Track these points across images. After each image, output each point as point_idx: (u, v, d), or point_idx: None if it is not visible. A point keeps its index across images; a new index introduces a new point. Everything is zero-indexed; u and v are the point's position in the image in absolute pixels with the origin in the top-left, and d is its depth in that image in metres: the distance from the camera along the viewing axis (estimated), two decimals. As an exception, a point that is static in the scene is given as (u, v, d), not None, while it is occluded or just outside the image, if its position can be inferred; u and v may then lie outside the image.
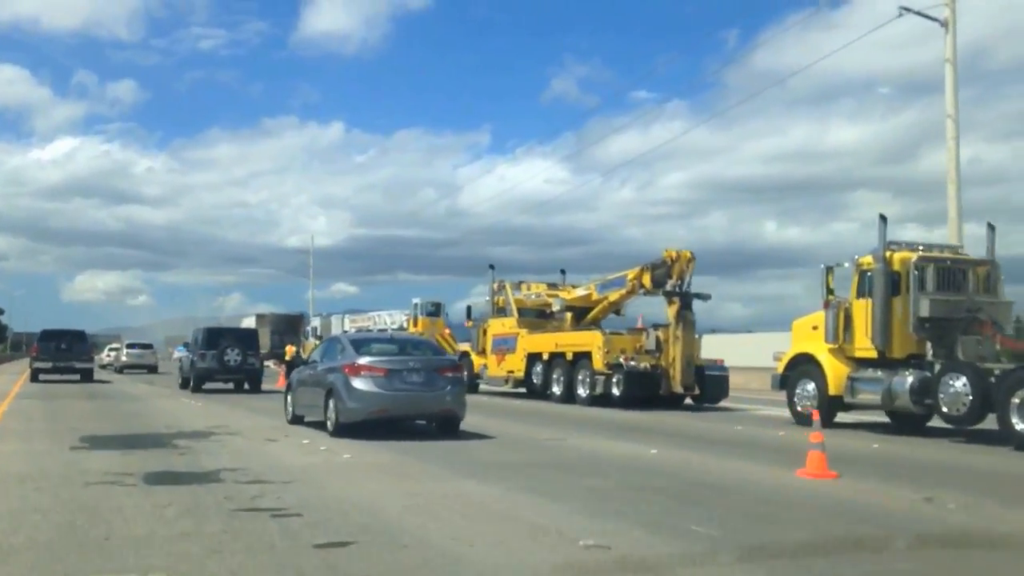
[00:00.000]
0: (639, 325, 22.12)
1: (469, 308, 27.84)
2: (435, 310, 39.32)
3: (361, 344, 13.62)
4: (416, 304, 39.22)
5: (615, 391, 20.05)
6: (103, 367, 50.28)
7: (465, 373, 16.02)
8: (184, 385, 27.11)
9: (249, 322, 57.11)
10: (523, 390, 24.91)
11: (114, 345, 59.25)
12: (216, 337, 26.49)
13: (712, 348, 22.37)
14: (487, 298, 27.32)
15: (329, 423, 12.81)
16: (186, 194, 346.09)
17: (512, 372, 24.62)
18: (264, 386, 26.74)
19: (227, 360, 25.58)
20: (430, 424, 13.48)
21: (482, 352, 26.96)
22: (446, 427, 13.17)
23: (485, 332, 26.87)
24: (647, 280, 20.82)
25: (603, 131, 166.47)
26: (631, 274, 21.40)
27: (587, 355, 21.08)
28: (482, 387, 27.29)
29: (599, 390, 20.42)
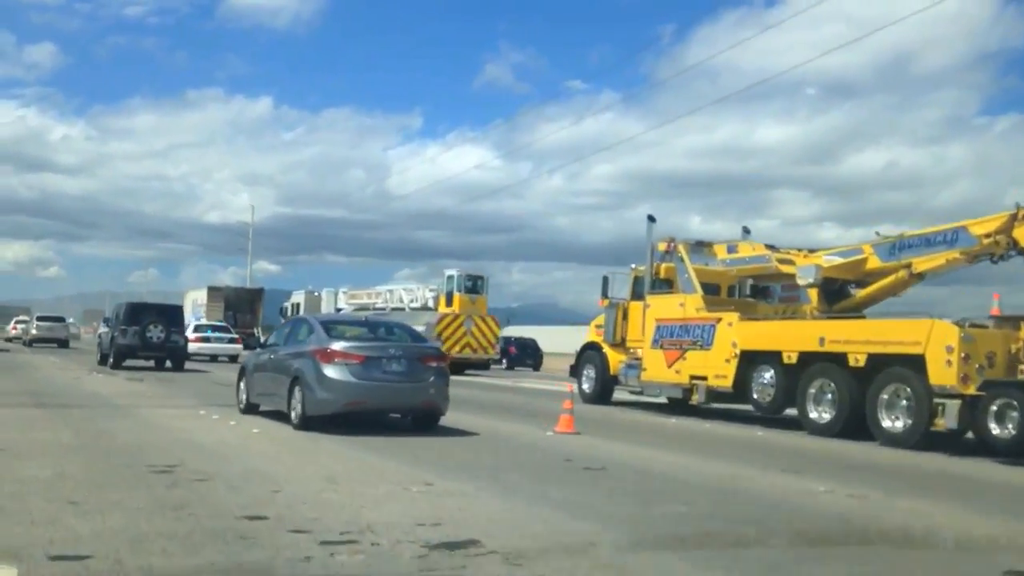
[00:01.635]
0: (995, 311, 13.22)
1: (606, 279, 18.63)
2: (474, 285, 30.07)
3: (331, 326, 12.13)
4: (451, 277, 29.88)
5: (997, 429, 11.22)
6: (9, 340, 46.92)
7: (447, 364, 12.36)
8: (103, 361, 25.82)
9: (199, 295, 46.76)
10: (662, 401, 16.25)
11: (22, 317, 54.73)
12: (138, 312, 25.31)
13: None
14: (631, 266, 18.36)
15: (294, 414, 11.26)
16: (103, 164, 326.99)
17: (703, 378, 15.58)
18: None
19: (149, 336, 24.36)
20: (405, 418, 11.89)
21: (620, 344, 18.06)
22: (424, 422, 11.66)
23: (626, 315, 17.98)
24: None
25: (535, 119, 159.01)
26: (984, 226, 12.56)
27: (911, 361, 12.14)
28: (619, 395, 18.36)
29: (952, 423, 11.58)
